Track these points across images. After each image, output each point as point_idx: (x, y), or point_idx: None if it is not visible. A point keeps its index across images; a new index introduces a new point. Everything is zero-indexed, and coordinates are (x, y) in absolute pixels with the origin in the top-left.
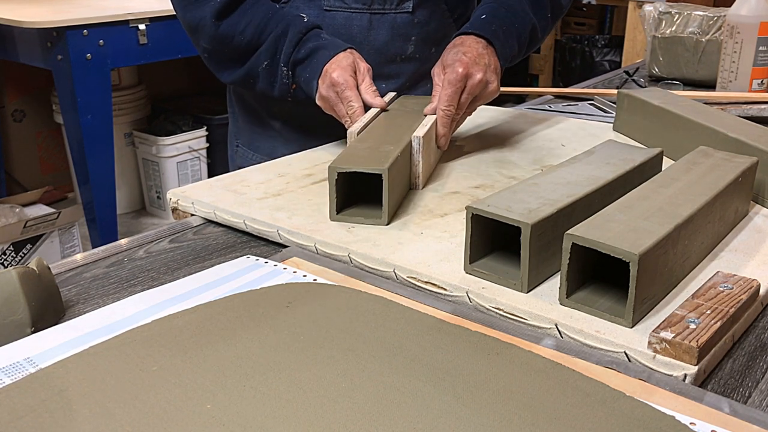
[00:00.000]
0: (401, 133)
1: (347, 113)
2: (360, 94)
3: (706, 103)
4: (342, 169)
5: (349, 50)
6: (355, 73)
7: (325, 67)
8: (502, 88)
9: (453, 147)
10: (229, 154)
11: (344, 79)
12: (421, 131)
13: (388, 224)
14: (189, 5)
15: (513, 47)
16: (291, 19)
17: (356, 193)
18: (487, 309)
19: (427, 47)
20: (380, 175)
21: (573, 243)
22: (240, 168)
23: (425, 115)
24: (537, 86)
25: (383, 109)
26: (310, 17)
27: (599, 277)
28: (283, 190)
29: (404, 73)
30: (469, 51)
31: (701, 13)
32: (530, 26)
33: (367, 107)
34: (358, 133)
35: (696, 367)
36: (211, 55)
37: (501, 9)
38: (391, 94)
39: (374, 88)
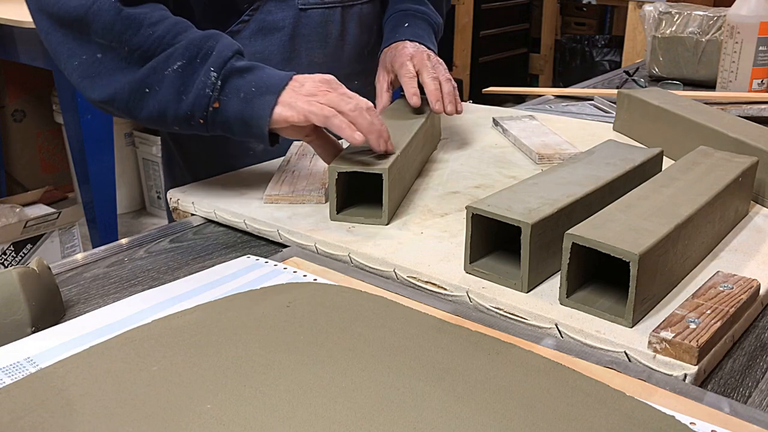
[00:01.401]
0: (401, 134)
1: (353, 108)
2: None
3: (706, 103)
4: (342, 169)
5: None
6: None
7: (294, 77)
8: (502, 89)
9: (453, 146)
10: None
11: (332, 78)
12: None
13: (388, 224)
14: None
15: (430, 43)
16: (218, 32)
17: (357, 193)
18: (487, 309)
19: (380, 38)
20: (380, 175)
21: (573, 243)
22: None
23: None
24: (537, 86)
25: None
26: (285, 19)
27: (599, 277)
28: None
29: (371, 67)
30: (405, 48)
31: (701, 13)
32: (439, 27)
33: None
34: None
35: (696, 367)
36: (105, 53)
37: (416, 16)
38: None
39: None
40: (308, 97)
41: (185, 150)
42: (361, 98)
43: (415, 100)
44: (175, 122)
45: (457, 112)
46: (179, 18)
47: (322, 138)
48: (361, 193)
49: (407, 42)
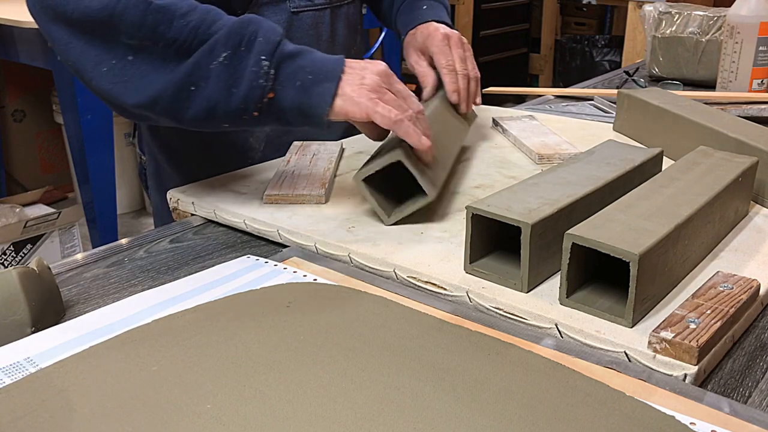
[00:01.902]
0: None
1: (411, 108)
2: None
3: (706, 103)
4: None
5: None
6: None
7: (346, 62)
8: (502, 89)
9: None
10: (154, 204)
11: (387, 70)
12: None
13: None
14: None
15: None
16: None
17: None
18: (487, 309)
19: (363, 35)
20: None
21: (573, 243)
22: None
23: (424, 100)
24: (537, 86)
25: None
26: (279, 24)
27: (599, 277)
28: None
29: None
30: (437, 29)
31: (701, 13)
32: (449, 9)
33: None
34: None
35: (696, 367)
36: (138, 54)
37: None
38: None
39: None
40: (371, 93)
41: (178, 158)
42: (414, 99)
43: (455, 97)
44: (226, 118)
45: (475, 103)
46: (208, 5)
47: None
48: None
49: (434, 23)
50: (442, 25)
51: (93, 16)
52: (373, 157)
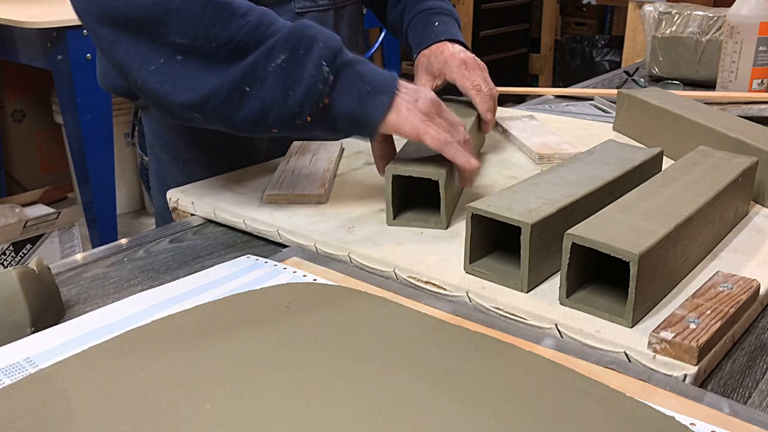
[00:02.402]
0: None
1: (455, 136)
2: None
3: (706, 103)
4: (399, 172)
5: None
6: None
7: (399, 81)
8: (502, 89)
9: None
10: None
11: (439, 100)
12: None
13: (446, 228)
14: None
15: (463, 40)
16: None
17: (408, 198)
18: (487, 309)
19: (364, 36)
20: (437, 181)
21: (573, 243)
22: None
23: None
24: (537, 86)
25: None
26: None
27: (599, 277)
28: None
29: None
30: (453, 53)
31: (701, 13)
32: (459, 22)
33: None
34: None
35: (696, 367)
36: (187, 54)
37: (443, 14)
38: None
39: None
40: (424, 116)
41: (182, 159)
42: (462, 129)
43: (489, 116)
44: (278, 122)
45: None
46: (264, 7)
47: (389, 143)
48: (412, 197)
49: (447, 44)
50: (458, 48)
51: (144, 12)
52: (406, 152)
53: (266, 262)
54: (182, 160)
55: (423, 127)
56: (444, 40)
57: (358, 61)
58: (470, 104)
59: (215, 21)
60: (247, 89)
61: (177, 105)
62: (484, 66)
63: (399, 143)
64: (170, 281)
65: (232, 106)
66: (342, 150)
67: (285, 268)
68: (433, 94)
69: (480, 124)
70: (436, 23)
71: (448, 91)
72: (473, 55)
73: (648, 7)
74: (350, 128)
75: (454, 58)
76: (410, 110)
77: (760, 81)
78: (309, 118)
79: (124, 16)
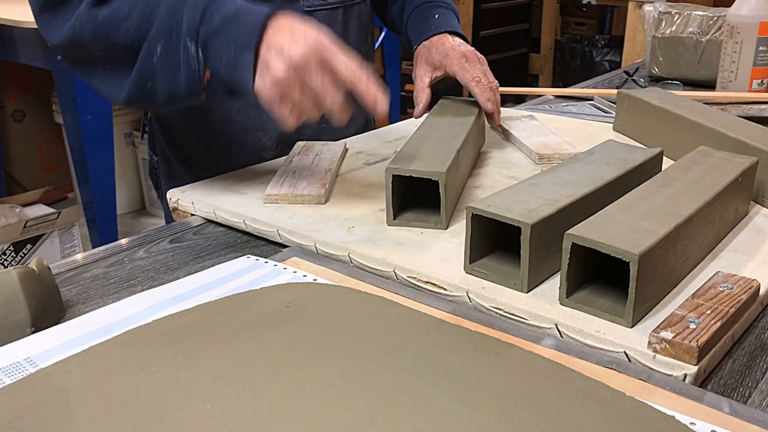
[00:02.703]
0: (453, 134)
1: (350, 73)
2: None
3: (706, 103)
4: (398, 173)
5: (285, 12)
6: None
7: (270, 21)
8: (502, 89)
9: None
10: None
11: (331, 42)
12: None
13: (446, 228)
14: (59, 14)
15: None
16: None
17: (409, 197)
18: (487, 309)
19: (373, 34)
20: (437, 180)
21: (573, 243)
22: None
23: (416, 116)
24: (537, 86)
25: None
26: None
27: (599, 277)
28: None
29: (368, 64)
30: (453, 46)
31: (701, 13)
32: (458, 15)
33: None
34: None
35: (696, 367)
36: (103, 65)
37: (442, 6)
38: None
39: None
40: (282, 83)
41: (191, 158)
42: (351, 70)
43: (489, 106)
44: (186, 100)
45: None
46: None
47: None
48: (412, 197)
49: (448, 36)
50: (458, 40)
51: (64, 42)
52: (409, 149)
53: (266, 262)
54: (191, 159)
55: (276, 109)
56: (445, 32)
57: (226, 20)
58: (473, 103)
59: (107, 31)
60: (149, 84)
61: (120, 104)
62: (484, 59)
63: (400, 131)
64: (170, 281)
65: (149, 98)
66: (345, 150)
67: (285, 268)
68: (302, 48)
69: (486, 119)
70: (437, 15)
71: (449, 92)
72: (473, 48)
73: (648, 7)
74: (239, 93)
75: (454, 51)
76: (271, 74)
77: (760, 81)
78: (206, 92)
79: (59, 47)
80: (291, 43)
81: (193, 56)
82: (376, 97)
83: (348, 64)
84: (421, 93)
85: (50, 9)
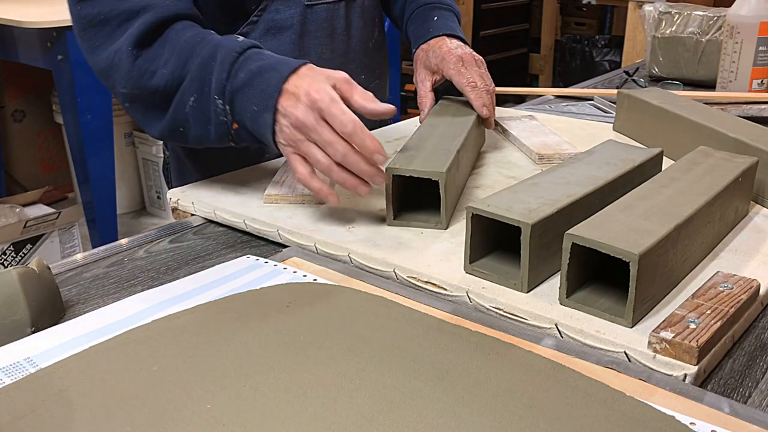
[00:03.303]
0: (453, 134)
1: (344, 131)
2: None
3: (706, 103)
4: (398, 172)
5: (308, 64)
6: (334, 86)
7: (284, 86)
8: (502, 89)
9: None
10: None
11: (326, 93)
12: None
13: (446, 228)
14: (99, 40)
15: (462, 34)
16: (221, 40)
17: (409, 196)
18: (487, 309)
19: (382, 30)
20: (437, 179)
21: (573, 243)
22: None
23: (421, 120)
24: (537, 86)
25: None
26: (293, 17)
27: (599, 277)
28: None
29: (377, 60)
30: (450, 49)
31: (701, 13)
32: (459, 16)
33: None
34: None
35: (696, 367)
36: (132, 102)
37: (442, 8)
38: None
39: (371, 95)
40: (294, 138)
41: (200, 155)
42: (355, 126)
43: (485, 111)
44: (216, 144)
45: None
46: (184, 41)
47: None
48: (412, 197)
49: (446, 38)
50: (455, 43)
51: (98, 67)
52: (406, 152)
53: (266, 262)
54: (200, 155)
55: (291, 161)
56: (442, 35)
57: (250, 78)
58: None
59: (142, 73)
60: (181, 129)
61: (153, 137)
62: (483, 61)
63: (402, 130)
64: (170, 281)
65: (182, 139)
66: None
67: (285, 268)
68: (316, 95)
69: (481, 122)
70: (435, 18)
71: (449, 92)
72: (471, 50)
73: (648, 7)
74: (266, 144)
75: (451, 55)
76: (283, 132)
77: (760, 81)
78: (232, 143)
79: (93, 68)
80: (294, 106)
81: (221, 110)
82: (371, 153)
83: (342, 122)
84: (425, 98)
85: (91, 29)
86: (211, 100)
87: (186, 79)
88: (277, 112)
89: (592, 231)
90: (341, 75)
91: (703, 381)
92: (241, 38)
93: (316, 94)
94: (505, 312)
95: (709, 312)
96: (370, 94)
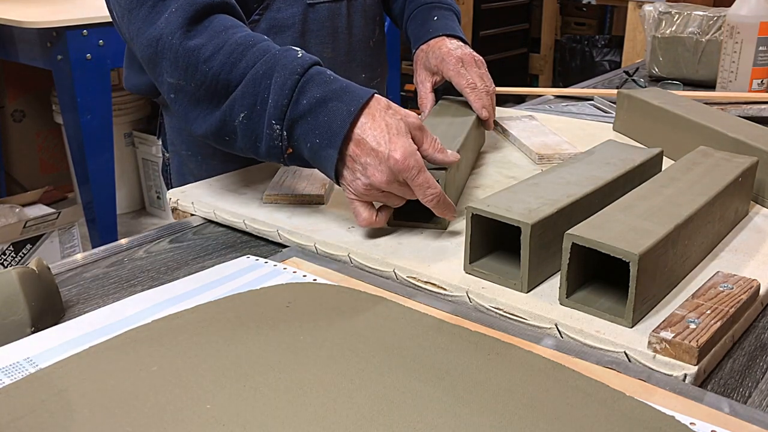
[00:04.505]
0: (454, 134)
1: (426, 202)
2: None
3: (706, 103)
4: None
5: (375, 96)
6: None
7: (355, 131)
8: (502, 89)
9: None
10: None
11: (414, 160)
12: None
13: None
14: (149, 15)
15: (462, 34)
16: (277, 53)
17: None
18: (487, 309)
19: (383, 27)
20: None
21: (573, 243)
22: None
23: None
24: (537, 86)
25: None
26: (295, 16)
27: (599, 277)
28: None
29: (378, 58)
30: (449, 49)
31: (701, 13)
32: (459, 15)
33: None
34: None
35: (696, 367)
36: (177, 93)
37: (442, 8)
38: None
39: (438, 142)
40: (365, 190)
41: (202, 155)
42: (419, 178)
43: (484, 113)
44: (264, 159)
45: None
46: (232, 41)
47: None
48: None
49: (446, 39)
50: (455, 43)
51: (141, 53)
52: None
53: (266, 263)
54: (201, 155)
55: (354, 208)
56: (442, 36)
57: (315, 106)
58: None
59: (187, 65)
60: (227, 139)
61: (196, 135)
62: (483, 61)
63: None
64: (170, 281)
65: (226, 146)
66: None
67: (285, 268)
68: (398, 154)
69: (481, 122)
70: (435, 18)
71: (449, 92)
72: (471, 50)
73: (648, 7)
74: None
75: (450, 55)
76: (354, 183)
77: (760, 81)
78: (284, 162)
79: (136, 53)
80: (375, 166)
81: (278, 135)
82: (445, 217)
83: (426, 195)
84: (425, 99)
85: (135, 9)
86: (266, 123)
87: (236, 92)
88: (346, 157)
89: (592, 231)
90: (415, 121)
91: (703, 381)
92: (299, 52)
93: (404, 163)
94: (504, 312)
95: (709, 312)
96: (439, 141)
